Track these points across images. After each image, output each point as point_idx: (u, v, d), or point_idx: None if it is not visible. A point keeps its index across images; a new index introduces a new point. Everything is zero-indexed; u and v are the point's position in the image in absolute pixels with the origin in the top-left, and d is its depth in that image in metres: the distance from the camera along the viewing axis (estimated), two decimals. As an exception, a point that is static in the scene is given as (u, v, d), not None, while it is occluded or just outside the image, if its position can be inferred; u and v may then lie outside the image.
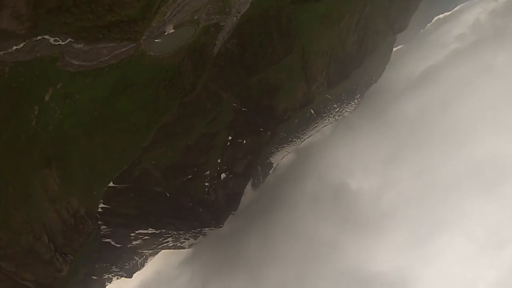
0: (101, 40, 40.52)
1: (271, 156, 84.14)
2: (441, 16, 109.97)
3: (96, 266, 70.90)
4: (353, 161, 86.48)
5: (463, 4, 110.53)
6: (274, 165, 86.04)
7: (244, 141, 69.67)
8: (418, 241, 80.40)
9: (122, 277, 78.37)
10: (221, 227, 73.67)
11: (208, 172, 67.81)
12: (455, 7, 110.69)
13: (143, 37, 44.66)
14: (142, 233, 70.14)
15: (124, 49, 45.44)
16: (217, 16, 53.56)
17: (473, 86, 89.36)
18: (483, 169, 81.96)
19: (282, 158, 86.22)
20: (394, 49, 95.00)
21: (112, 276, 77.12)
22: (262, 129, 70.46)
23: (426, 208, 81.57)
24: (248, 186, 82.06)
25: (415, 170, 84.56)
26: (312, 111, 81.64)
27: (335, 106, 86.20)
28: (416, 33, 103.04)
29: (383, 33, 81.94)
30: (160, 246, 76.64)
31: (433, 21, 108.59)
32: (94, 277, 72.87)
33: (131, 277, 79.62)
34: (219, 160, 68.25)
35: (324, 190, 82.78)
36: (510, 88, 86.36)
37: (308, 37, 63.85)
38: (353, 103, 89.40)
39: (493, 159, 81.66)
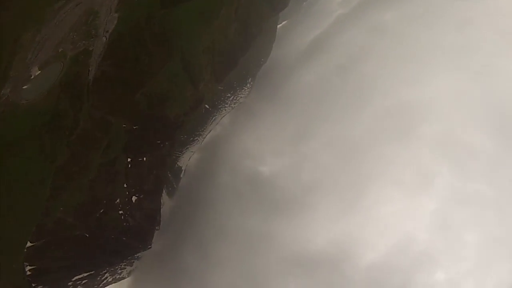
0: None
1: (177, 161, 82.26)
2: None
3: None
4: (261, 146, 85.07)
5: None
6: (183, 168, 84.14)
7: (145, 158, 67.28)
8: (348, 204, 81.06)
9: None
10: (150, 247, 71.33)
11: (118, 200, 64.85)
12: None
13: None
14: (79, 278, 66.12)
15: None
16: (84, 42, 49.96)
17: (366, 47, 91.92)
18: (395, 118, 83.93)
19: (189, 158, 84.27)
20: (279, 26, 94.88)
21: (66, 330, 72.54)
22: (159, 141, 68.28)
23: (348, 170, 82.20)
24: (165, 196, 79.81)
25: (328, 138, 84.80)
26: (206, 105, 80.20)
27: (229, 95, 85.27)
28: (299, 7, 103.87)
29: (265, 15, 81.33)
30: (101, 285, 72.67)
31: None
32: None
33: (85, 325, 75.33)
34: (125, 185, 65.46)
35: (240, 182, 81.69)
36: (402, 43, 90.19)
37: (186, 38, 61.76)
38: (246, 88, 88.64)
39: (402, 106, 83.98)
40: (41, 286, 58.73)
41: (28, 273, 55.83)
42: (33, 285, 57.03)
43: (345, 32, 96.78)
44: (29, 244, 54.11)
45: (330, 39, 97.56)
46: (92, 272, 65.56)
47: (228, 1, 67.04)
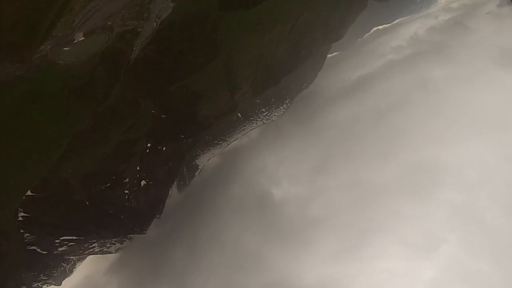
0: (-7, 58, 37.47)
1: (196, 158, 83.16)
2: (380, 27, 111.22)
3: (24, 275, 67.77)
4: (280, 168, 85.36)
5: (403, 18, 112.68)
6: (200, 167, 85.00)
7: (164, 148, 68.08)
8: (347, 250, 79.07)
9: (51, 285, 75.39)
10: (144, 233, 72.13)
11: (127, 180, 65.85)
12: (394, 20, 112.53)
13: (34, 57, 41.71)
14: (67, 239, 67.63)
15: (28, 60, 42.56)
16: (133, 21, 50.77)
17: (406, 98, 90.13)
18: (416, 176, 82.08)
19: (208, 160, 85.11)
20: (329, 55, 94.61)
21: (41, 284, 73.98)
22: (182, 136, 69.03)
23: (357, 216, 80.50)
24: (174, 188, 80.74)
25: (345, 178, 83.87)
26: (239, 114, 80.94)
27: (263, 110, 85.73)
28: (353, 42, 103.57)
29: (318, 42, 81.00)
30: (86, 252, 74.13)
31: (371, 31, 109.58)
32: (24, 287, 69.90)
33: (60, 284, 76.45)
34: (138, 168, 66.45)
35: (249, 197, 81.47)
36: (442, 102, 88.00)
37: (234, 45, 61.83)
38: (282, 108, 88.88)
39: (426, 166, 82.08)
40: (29, 235, 60.26)
41: (20, 219, 57.26)
42: (21, 231, 58.49)
43: (390, 78, 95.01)
44: (29, 193, 55.32)
45: (374, 82, 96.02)
46: (82, 238, 66.75)
47: (285, 19, 66.84)
